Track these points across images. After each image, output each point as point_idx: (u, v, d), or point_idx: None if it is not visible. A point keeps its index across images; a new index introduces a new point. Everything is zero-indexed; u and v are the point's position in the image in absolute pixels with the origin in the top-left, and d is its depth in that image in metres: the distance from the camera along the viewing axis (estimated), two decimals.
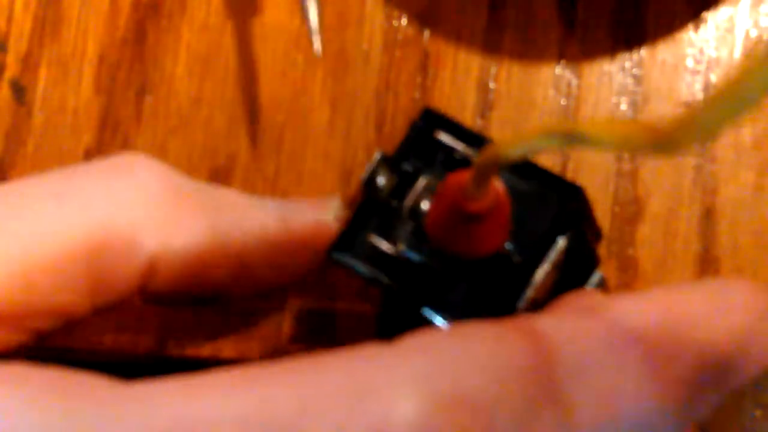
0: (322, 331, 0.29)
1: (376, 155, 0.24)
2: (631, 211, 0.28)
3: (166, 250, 0.21)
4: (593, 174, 0.29)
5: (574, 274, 0.24)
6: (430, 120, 0.24)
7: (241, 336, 0.29)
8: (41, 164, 0.30)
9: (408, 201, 0.24)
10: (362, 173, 0.24)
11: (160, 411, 0.15)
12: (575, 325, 0.18)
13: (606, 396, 0.17)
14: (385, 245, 0.23)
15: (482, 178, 0.20)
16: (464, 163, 0.24)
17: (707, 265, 0.28)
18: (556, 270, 0.23)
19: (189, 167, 0.30)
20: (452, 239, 0.22)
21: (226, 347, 0.29)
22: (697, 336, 0.18)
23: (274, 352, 0.29)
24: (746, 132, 0.28)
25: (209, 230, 0.22)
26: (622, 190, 0.28)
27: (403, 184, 0.24)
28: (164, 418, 0.15)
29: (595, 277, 0.25)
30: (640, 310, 0.18)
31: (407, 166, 0.24)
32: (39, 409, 0.15)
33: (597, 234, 0.25)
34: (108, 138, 0.30)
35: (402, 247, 0.23)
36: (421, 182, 0.24)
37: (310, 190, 0.30)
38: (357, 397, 0.15)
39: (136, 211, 0.21)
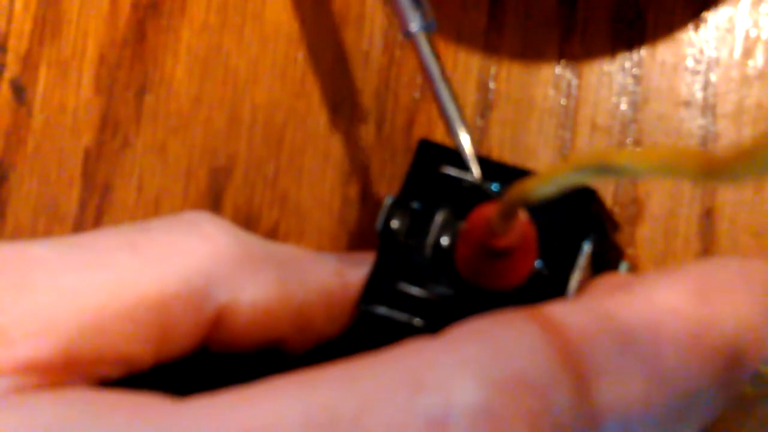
0: None
1: (387, 200, 0.24)
2: (631, 211, 0.28)
3: (234, 303, 0.21)
4: None
5: (603, 270, 0.24)
6: (429, 152, 0.24)
7: None
8: (41, 164, 0.30)
9: (429, 239, 0.23)
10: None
11: (223, 421, 0.15)
12: (608, 304, 0.18)
13: (649, 368, 0.17)
14: (412, 288, 0.23)
15: (508, 216, 0.19)
16: (474, 191, 0.24)
17: None
18: (586, 273, 0.23)
19: (189, 167, 0.30)
20: (483, 275, 0.22)
21: None
22: (733, 306, 0.18)
23: None
24: (747, 132, 0.29)
25: (275, 283, 0.22)
26: (622, 191, 0.28)
27: (416, 222, 0.24)
28: (227, 428, 0.15)
29: (623, 268, 0.25)
30: (674, 283, 0.18)
31: (416, 204, 0.24)
32: (104, 426, 0.15)
33: (615, 226, 0.25)
34: (108, 138, 0.30)
35: (431, 286, 0.23)
36: (438, 218, 0.24)
37: (310, 190, 0.30)
38: (414, 390, 0.16)
39: (207, 263, 0.21)
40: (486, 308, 0.23)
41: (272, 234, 0.29)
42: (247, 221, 0.30)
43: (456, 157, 0.24)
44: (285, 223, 0.30)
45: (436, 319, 0.23)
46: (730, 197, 0.28)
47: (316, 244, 0.29)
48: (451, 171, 0.24)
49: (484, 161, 0.24)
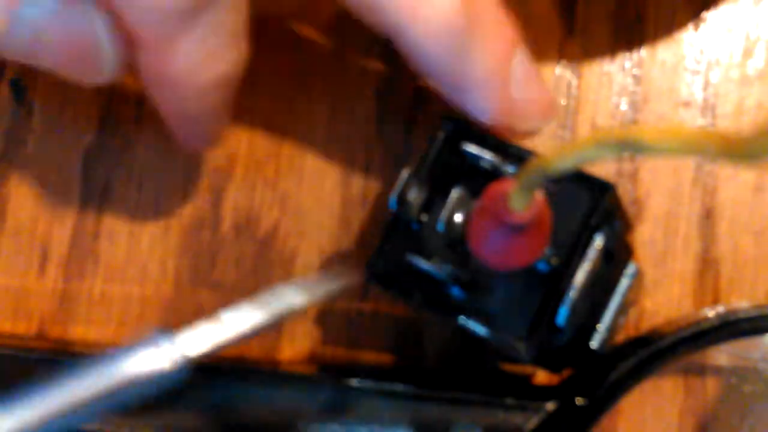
0: (321, 329, 0.29)
1: (404, 172, 0.24)
2: (631, 212, 0.28)
3: None
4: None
5: (611, 267, 0.24)
6: (452, 128, 0.24)
7: None
8: (41, 164, 0.30)
9: (442, 215, 0.23)
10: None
11: None
12: None
13: None
14: (418, 261, 0.23)
15: (527, 189, 0.19)
16: (491, 171, 0.23)
17: (707, 265, 0.28)
18: (596, 268, 0.23)
19: (189, 167, 0.30)
20: (494, 252, 0.22)
21: None
22: None
23: (273, 351, 0.29)
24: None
25: None
26: (622, 191, 0.28)
27: (430, 197, 0.24)
28: None
29: (631, 269, 0.25)
30: None
31: (433, 179, 0.24)
32: None
33: (628, 225, 0.25)
34: (108, 138, 0.30)
35: (436, 261, 0.23)
36: (454, 195, 0.23)
37: (310, 190, 0.30)
38: None
39: None
40: (491, 287, 0.23)
41: (272, 234, 0.29)
42: (248, 221, 0.30)
43: (480, 136, 0.24)
44: (285, 223, 0.30)
45: (439, 294, 0.23)
46: (730, 197, 0.28)
47: (316, 244, 0.29)
48: (471, 149, 0.24)
49: (502, 144, 0.24)
